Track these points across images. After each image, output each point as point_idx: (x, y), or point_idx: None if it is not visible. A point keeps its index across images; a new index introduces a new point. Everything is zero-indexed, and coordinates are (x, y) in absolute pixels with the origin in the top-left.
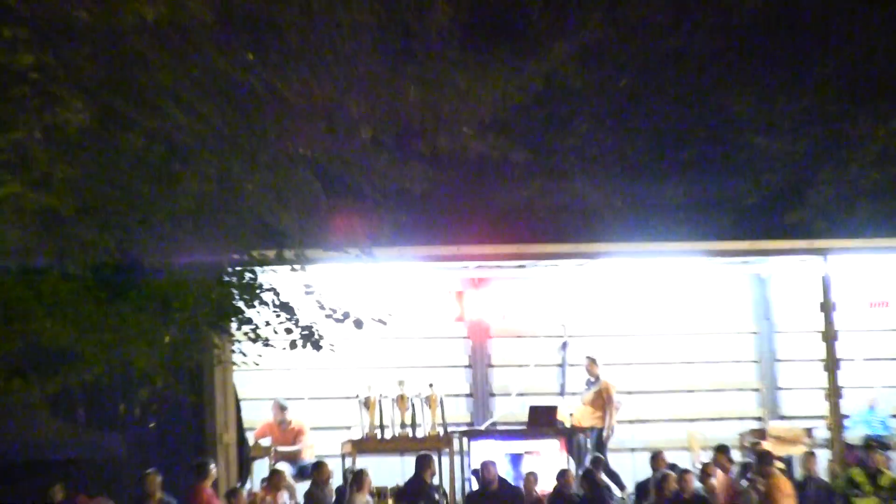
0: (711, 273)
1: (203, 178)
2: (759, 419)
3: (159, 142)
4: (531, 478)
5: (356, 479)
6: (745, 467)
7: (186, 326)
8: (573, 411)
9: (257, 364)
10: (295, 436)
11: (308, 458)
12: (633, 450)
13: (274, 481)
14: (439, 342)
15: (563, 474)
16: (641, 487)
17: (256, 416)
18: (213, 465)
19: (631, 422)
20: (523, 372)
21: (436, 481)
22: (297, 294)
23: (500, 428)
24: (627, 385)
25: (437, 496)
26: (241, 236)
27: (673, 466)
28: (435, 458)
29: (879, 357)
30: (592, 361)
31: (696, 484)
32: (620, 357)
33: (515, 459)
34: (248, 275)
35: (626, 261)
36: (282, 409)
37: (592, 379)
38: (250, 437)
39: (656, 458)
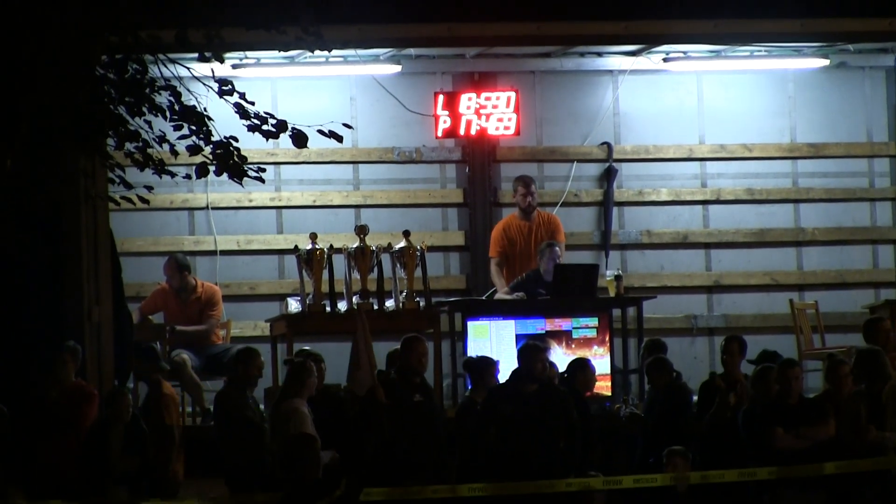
0: (829, 68)
1: None
2: None
3: None
4: (544, 366)
5: (293, 374)
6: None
7: (37, 145)
8: (619, 273)
9: (146, 201)
10: (202, 309)
11: (221, 341)
12: (710, 330)
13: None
14: (419, 169)
15: (579, 368)
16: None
17: (145, 279)
18: (72, 352)
19: (708, 288)
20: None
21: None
22: (211, 98)
23: (509, 298)
24: (698, 234)
25: (421, 398)
26: (122, 7)
27: (771, 356)
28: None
29: None
30: (529, 186)
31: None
32: (690, 191)
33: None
34: (133, 67)
35: (701, 48)
36: (181, 268)
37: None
38: (135, 312)
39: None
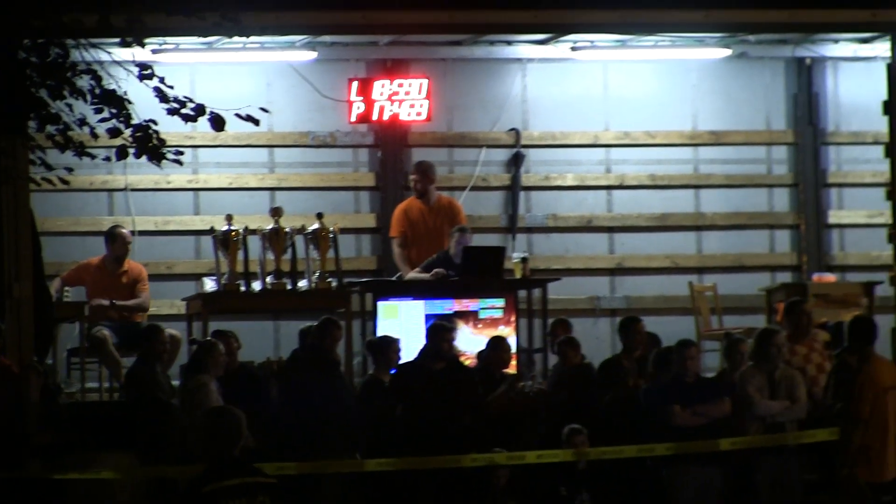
0: (731, 58)
1: None
2: (795, 269)
3: None
4: (451, 345)
5: (198, 352)
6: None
7: None
8: (526, 255)
9: (66, 182)
10: (131, 285)
11: (140, 319)
12: (613, 311)
13: None
14: (333, 153)
15: (496, 346)
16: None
17: (64, 258)
18: None
19: (611, 271)
20: (455, 197)
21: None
22: (131, 82)
23: (418, 277)
24: (602, 218)
25: (335, 379)
26: None
27: (652, 338)
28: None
29: None
30: (424, 172)
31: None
32: (595, 177)
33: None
34: (55, 51)
35: (608, 37)
36: (126, 242)
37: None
38: (56, 282)
39: (632, 327)
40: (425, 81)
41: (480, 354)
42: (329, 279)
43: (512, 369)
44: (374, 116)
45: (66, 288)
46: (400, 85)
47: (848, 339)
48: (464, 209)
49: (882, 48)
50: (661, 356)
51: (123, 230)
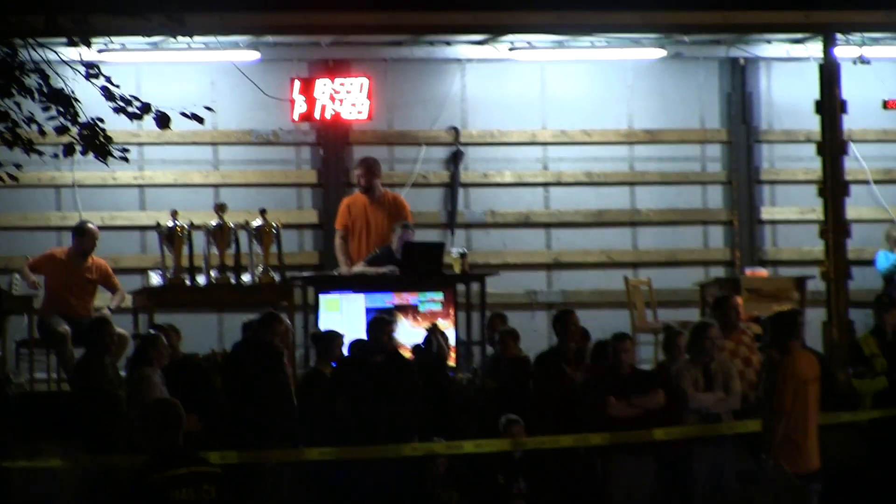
0: (666, 58)
1: None
2: (728, 264)
3: None
4: (390, 338)
5: (141, 345)
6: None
7: None
8: (464, 251)
9: (15, 178)
10: (99, 280)
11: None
12: (550, 305)
13: None
14: (276, 151)
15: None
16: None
17: (14, 252)
18: None
19: (548, 266)
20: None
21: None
22: (78, 81)
23: (365, 271)
24: (540, 215)
25: (277, 370)
26: None
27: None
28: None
29: None
30: (369, 168)
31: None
32: (532, 174)
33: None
34: (3, 50)
35: (545, 38)
36: (95, 238)
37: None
38: (24, 267)
39: (566, 319)
40: (366, 81)
41: (416, 348)
42: (272, 273)
43: (451, 361)
44: (317, 115)
45: (34, 275)
46: (341, 84)
47: (770, 333)
48: None
49: (814, 48)
50: (598, 348)
51: (92, 226)
